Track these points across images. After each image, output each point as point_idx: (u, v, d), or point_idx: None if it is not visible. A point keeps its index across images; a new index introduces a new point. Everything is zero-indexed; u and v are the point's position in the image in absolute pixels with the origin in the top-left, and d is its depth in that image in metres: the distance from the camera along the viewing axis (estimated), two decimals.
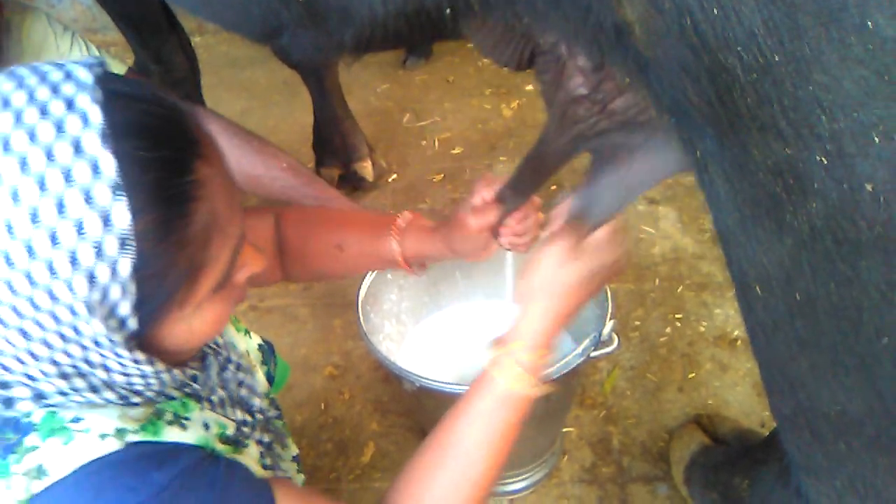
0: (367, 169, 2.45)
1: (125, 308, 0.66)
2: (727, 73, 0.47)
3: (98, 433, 0.71)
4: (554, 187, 2.37)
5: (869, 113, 0.44)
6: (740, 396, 1.72)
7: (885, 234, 0.47)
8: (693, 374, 1.78)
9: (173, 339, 0.74)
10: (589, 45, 0.63)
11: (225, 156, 0.75)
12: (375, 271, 1.45)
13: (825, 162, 0.47)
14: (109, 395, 0.73)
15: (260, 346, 1.24)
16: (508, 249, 1.10)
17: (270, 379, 1.26)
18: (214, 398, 0.91)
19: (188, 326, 0.74)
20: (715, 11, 0.45)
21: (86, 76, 0.65)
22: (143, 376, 0.73)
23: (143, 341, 0.71)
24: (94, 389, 0.72)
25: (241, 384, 1.01)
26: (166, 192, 0.65)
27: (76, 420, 0.71)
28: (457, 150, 2.64)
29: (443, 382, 1.22)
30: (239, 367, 1.01)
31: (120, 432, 0.72)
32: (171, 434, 0.77)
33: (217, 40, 3.51)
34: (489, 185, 1.05)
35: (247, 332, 1.22)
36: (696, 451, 1.51)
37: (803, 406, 0.66)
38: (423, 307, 1.62)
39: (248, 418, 0.98)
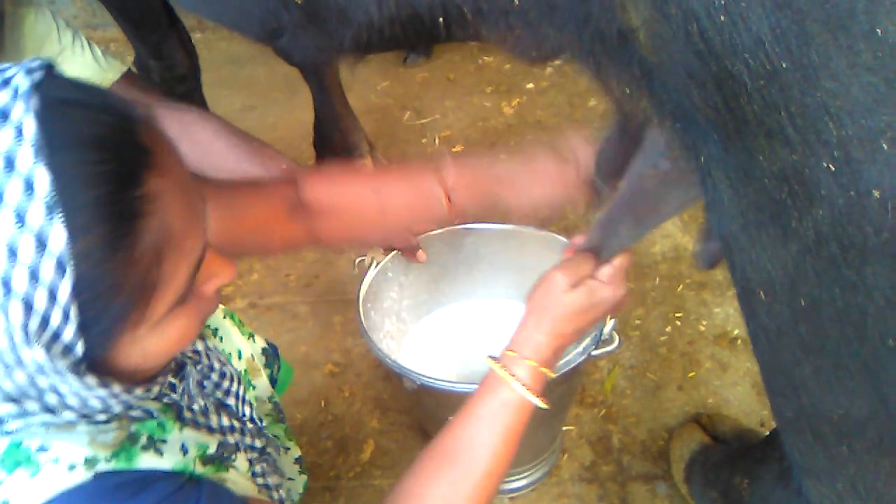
0: (367, 166, 2.44)
1: (69, 333, 0.61)
2: (734, 80, 0.47)
3: (67, 463, 0.68)
4: None
5: (877, 119, 0.44)
6: (740, 395, 1.72)
7: (891, 240, 0.47)
8: (693, 373, 1.78)
9: (131, 359, 0.69)
10: (586, 56, 0.63)
11: (183, 164, 0.69)
12: (376, 269, 1.45)
13: (832, 168, 0.47)
14: (69, 414, 0.69)
15: (264, 349, 1.24)
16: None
17: (274, 382, 1.26)
18: (195, 407, 0.88)
19: (146, 346, 0.69)
20: (722, 18, 0.45)
21: (22, 82, 0.60)
22: (100, 398, 0.69)
23: (95, 364, 0.66)
24: (49, 410, 0.67)
25: (227, 393, 0.98)
26: (110, 209, 0.60)
27: (42, 449, 0.68)
28: (457, 148, 2.64)
29: (443, 381, 1.22)
30: (223, 375, 0.97)
31: (89, 462, 0.69)
32: (146, 461, 0.74)
33: (217, 37, 3.50)
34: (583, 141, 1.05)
35: (251, 335, 1.22)
36: (696, 449, 1.51)
37: (806, 409, 0.66)
38: (423, 305, 1.62)
39: (236, 424, 0.96)
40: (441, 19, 0.66)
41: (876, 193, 0.46)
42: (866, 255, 0.49)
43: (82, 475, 0.68)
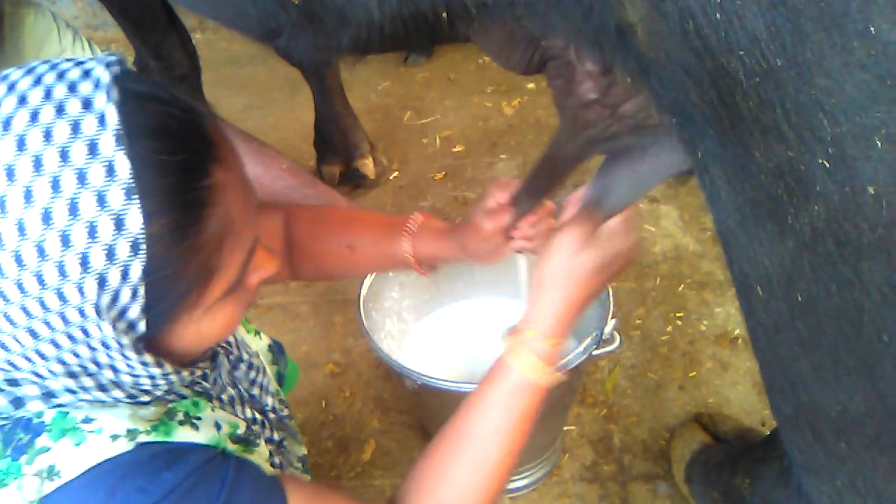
0: (368, 166, 2.45)
1: (135, 311, 0.65)
2: (729, 77, 0.48)
3: (109, 434, 0.71)
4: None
5: (871, 117, 0.44)
6: (741, 395, 1.72)
7: (886, 236, 0.47)
8: (694, 373, 1.78)
9: (183, 341, 0.74)
10: (591, 47, 0.63)
11: (240, 158, 0.74)
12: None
13: (827, 165, 0.47)
14: (118, 393, 0.73)
15: (270, 346, 1.25)
16: (520, 252, 1.10)
17: (281, 379, 1.26)
18: (225, 396, 0.91)
19: (198, 329, 0.73)
20: (718, 16, 0.45)
21: (103, 74, 0.64)
22: (151, 377, 0.73)
23: (152, 343, 0.71)
24: (102, 388, 0.72)
25: (252, 383, 1.01)
26: (181, 197, 0.64)
27: (87, 420, 0.71)
28: (458, 148, 2.64)
29: (444, 380, 1.22)
30: (251, 366, 1.01)
31: (131, 433, 0.72)
32: (183, 434, 0.76)
33: (218, 37, 3.50)
34: (503, 189, 1.05)
35: (257, 332, 1.22)
36: (697, 449, 1.51)
37: (804, 406, 0.66)
38: (424, 305, 1.62)
39: (259, 416, 0.98)
40: (444, 15, 0.66)
41: (871, 190, 0.46)
42: (862, 251, 0.50)
43: (124, 445, 0.71)
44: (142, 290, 0.64)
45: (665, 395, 1.74)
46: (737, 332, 1.87)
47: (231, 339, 0.98)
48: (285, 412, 1.12)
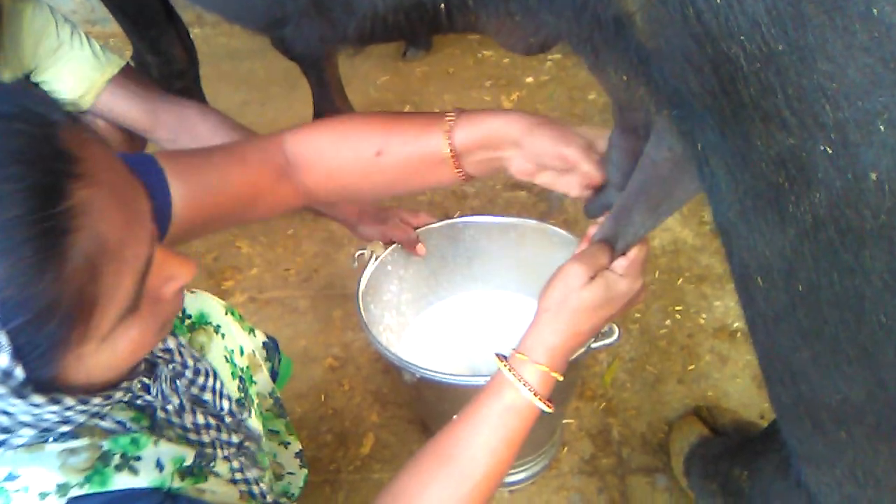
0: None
1: (2, 360, 0.58)
2: (730, 63, 0.47)
3: (38, 491, 0.66)
4: None
5: (874, 101, 0.44)
6: (740, 388, 1.72)
7: (889, 222, 0.47)
8: (693, 366, 1.79)
9: (82, 374, 0.65)
10: (584, 44, 0.63)
11: (118, 164, 0.65)
12: (376, 262, 1.45)
13: (829, 151, 0.47)
14: (27, 431, 0.66)
15: (265, 343, 1.24)
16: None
17: (274, 376, 1.26)
18: (169, 407, 0.86)
19: (97, 360, 0.65)
20: (718, 1, 0.45)
21: None
22: (54, 412, 0.65)
23: (45, 383, 0.63)
24: (6, 430, 0.65)
25: (202, 388, 0.95)
26: (33, 229, 0.55)
27: (11, 478, 0.66)
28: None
29: (443, 373, 1.22)
30: (197, 372, 0.95)
31: (62, 487, 0.67)
32: (121, 481, 0.71)
33: (216, 32, 3.49)
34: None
35: (251, 330, 1.21)
36: (696, 442, 1.51)
37: (804, 395, 0.66)
38: (423, 298, 1.62)
39: (212, 421, 0.94)
40: (443, 6, 0.66)
41: (873, 176, 0.46)
42: (864, 239, 0.49)
43: (55, 503, 0.66)
44: (3, 338, 0.56)
45: (664, 389, 1.74)
46: (736, 325, 1.87)
47: (172, 345, 0.91)
48: (244, 414, 1.06)
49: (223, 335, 1.11)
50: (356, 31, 0.72)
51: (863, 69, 0.43)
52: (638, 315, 1.92)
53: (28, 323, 0.57)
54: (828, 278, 0.54)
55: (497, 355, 0.92)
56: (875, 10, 0.41)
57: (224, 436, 0.96)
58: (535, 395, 0.88)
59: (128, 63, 1.55)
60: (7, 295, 0.55)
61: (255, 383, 1.16)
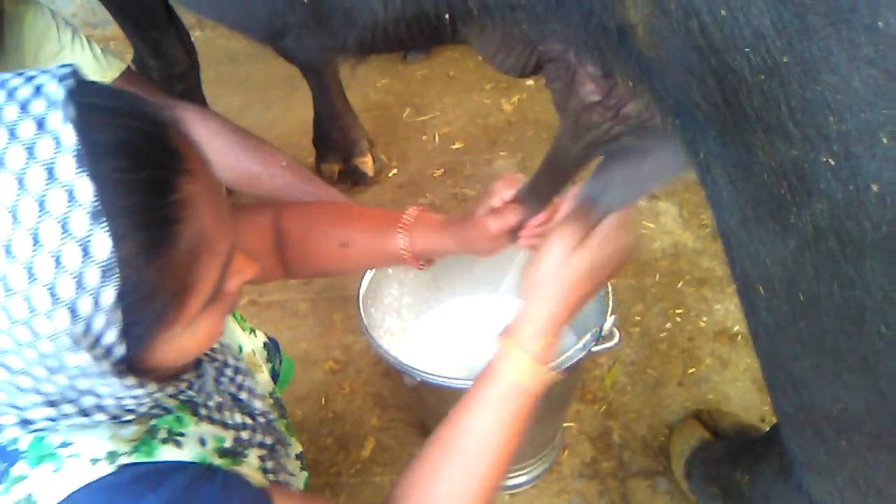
0: (367, 164, 2.44)
1: (111, 337, 0.63)
2: (734, 75, 0.47)
3: (89, 458, 0.68)
4: None
5: (877, 113, 0.44)
6: (740, 391, 1.73)
7: (890, 234, 0.47)
8: (693, 370, 1.79)
9: (166, 357, 0.71)
10: (591, 50, 0.63)
11: (211, 163, 0.71)
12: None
13: (832, 163, 0.47)
14: (101, 416, 0.71)
15: (265, 344, 1.24)
16: (523, 248, 1.10)
17: (275, 377, 1.26)
18: (211, 404, 0.89)
19: (180, 344, 0.71)
20: (723, 13, 0.45)
21: (56, 91, 0.60)
22: (136, 398, 0.71)
23: (132, 364, 0.69)
24: (84, 413, 0.69)
25: (240, 388, 0.99)
26: (149, 216, 0.61)
27: (65, 445, 0.69)
28: (457, 145, 2.64)
29: (443, 377, 1.22)
30: (237, 371, 0.99)
31: (111, 455, 0.69)
32: (166, 453, 0.74)
33: (216, 35, 3.50)
34: (508, 185, 1.04)
35: (252, 330, 1.22)
36: (697, 445, 1.51)
37: (805, 404, 0.66)
38: (423, 302, 1.62)
39: (248, 421, 0.96)
40: (447, 16, 0.65)
41: (875, 188, 0.46)
42: (865, 250, 0.50)
43: (104, 469, 0.68)
44: (116, 316, 0.62)
45: (664, 392, 1.74)
46: (736, 328, 1.87)
47: (215, 344, 0.96)
48: (275, 415, 1.11)
49: (223, 334, 1.11)
50: (356, 42, 0.72)
51: (867, 81, 0.43)
52: (638, 318, 1.92)
53: (138, 302, 0.62)
54: (828, 289, 0.54)
55: (494, 339, 0.91)
56: (881, 23, 0.41)
57: (258, 437, 0.97)
58: (533, 370, 0.88)
59: (129, 66, 1.55)
60: (126, 275, 0.60)
61: (258, 383, 1.16)
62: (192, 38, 2.27)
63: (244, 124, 1.58)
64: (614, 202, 0.88)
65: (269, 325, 1.99)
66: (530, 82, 2.90)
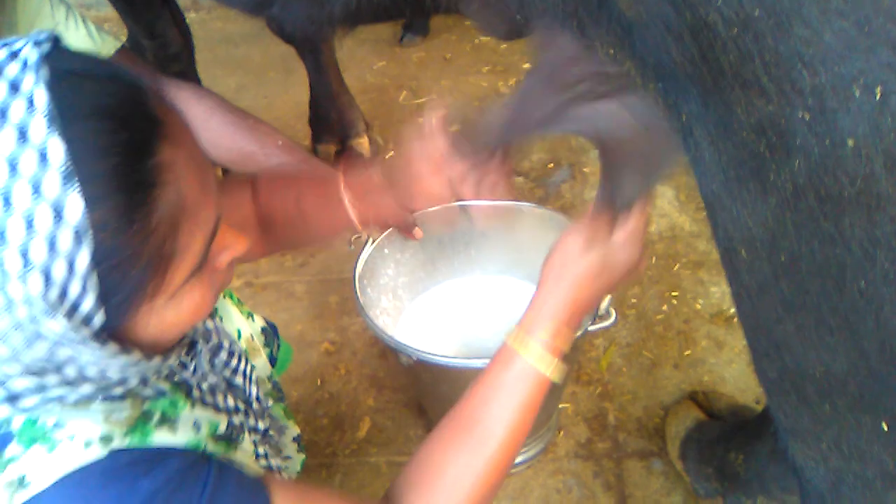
0: (363, 146, 2.44)
1: (88, 303, 0.61)
2: (708, 29, 0.47)
3: (83, 440, 0.68)
4: (551, 165, 2.37)
5: (849, 66, 0.43)
6: (736, 373, 1.73)
7: (866, 189, 0.47)
8: (689, 351, 1.79)
9: (149, 330, 0.70)
10: (569, 18, 0.62)
11: (196, 134, 0.70)
12: (372, 246, 1.45)
13: (807, 117, 0.46)
14: (87, 387, 0.69)
15: (263, 328, 1.24)
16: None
17: (273, 361, 1.26)
18: (205, 385, 0.89)
19: (164, 317, 0.70)
20: None
21: (31, 54, 0.60)
22: (119, 367, 0.69)
23: (115, 333, 0.67)
24: (69, 383, 0.68)
25: (234, 371, 0.98)
26: (125, 179, 0.60)
27: (58, 426, 0.68)
28: (454, 128, 2.63)
29: (439, 355, 1.22)
30: (231, 354, 0.98)
31: (105, 438, 0.69)
32: (160, 437, 0.74)
33: (212, 16, 3.49)
34: (441, 130, 1.07)
35: (250, 314, 1.21)
36: (692, 426, 1.52)
37: (789, 368, 0.67)
38: (419, 282, 1.62)
39: (241, 405, 0.96)
40: None
41: (850, 142, 0.46)
42: (843, 206, 0.49)
43: (97, 452, 0.68)
44: (92, 281, 0.60)
45: (660, 374, 1.75)
46: (732, 310, 1.87)
47: (210, 325, 0.95)
48: (270, 399, 1.11)
49: (221, 318, 1.11)
50: (342, 10, 0.72)
51: (838, 33, 0.43)
52: (634, 300, 1.92)
53: (116, 267, 0.61)
54: (808, 247, 0.54)
55: (507, 332, 0.93)
56: None
57: (251, 421, 0.97)
58: (543, 362, 0.89)
59: (123, 45, 1.54)
60: (100, 239, 0.59)
61: (254, 367, 1.16)
62: (188, 20, 2.26)
63: (240, 106, 1.58)
64: (627, 200, 0.91)
65: (264, 306, 2.00)
66: (527, 65, 2.89)
